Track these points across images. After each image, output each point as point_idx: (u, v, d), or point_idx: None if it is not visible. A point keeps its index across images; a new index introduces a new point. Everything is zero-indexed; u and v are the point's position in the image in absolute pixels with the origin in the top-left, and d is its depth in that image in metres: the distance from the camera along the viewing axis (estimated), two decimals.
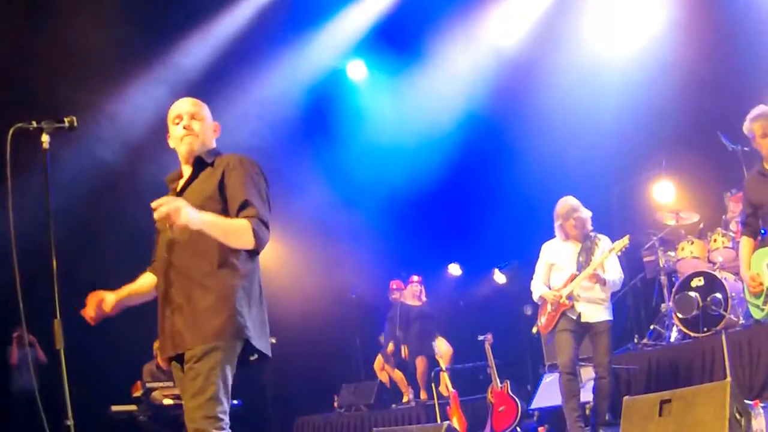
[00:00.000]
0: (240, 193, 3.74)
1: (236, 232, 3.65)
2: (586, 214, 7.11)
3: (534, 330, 7.22)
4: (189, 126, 3.92)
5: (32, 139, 3.59)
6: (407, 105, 11.85)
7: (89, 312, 3.80)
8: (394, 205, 11.92)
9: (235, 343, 3.63)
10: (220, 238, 3.62)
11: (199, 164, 3.92)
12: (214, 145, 4.04)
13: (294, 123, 11.68)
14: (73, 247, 3.92)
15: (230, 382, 3.61)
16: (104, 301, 3.83)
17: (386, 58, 11.89)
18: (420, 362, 10.45)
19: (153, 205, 3.46)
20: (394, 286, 11.15)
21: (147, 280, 4.02)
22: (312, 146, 11.96)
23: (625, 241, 6.94)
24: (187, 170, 3.98)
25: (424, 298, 10.90)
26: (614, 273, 6.96)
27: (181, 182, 3.95)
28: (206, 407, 3.49)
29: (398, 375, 10.83)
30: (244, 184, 3.76)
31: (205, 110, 4.05)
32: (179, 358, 3.69)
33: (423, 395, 10.39)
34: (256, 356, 3.77)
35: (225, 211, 3.74)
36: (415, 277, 10.98)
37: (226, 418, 3.54)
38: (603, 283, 6.84)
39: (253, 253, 3.79)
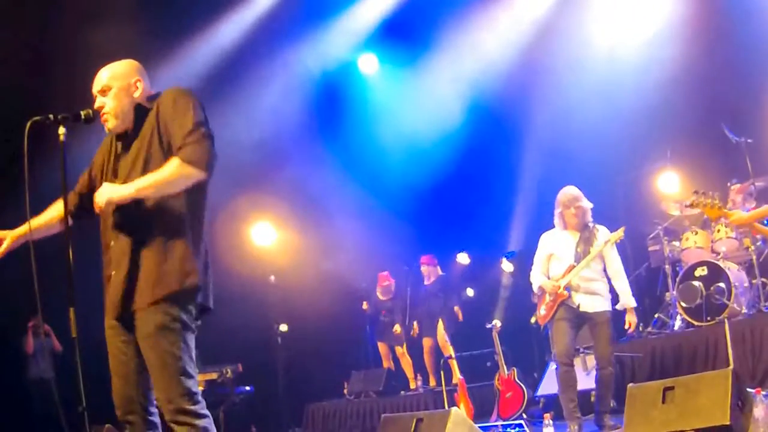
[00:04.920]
0: (179, 120, 3.53)
1: (172, 180, 3.43)
2: (587, 204, 7.03)
3: (532, 320, 7.20)
4: (101, 105, 3.64)
5: (49, 131, 3.52)
6: (416, 96, 11.93)
7: None
8: (404, 195, 11.99)
9: (188, 306, 3.49)
10: (159, 195, 3.45)
11: (141, 113, 3.67)
12: (146, 94, 3.73)
13: (306, 113, 11.80)
14: (88, 238, 3.92)
15: (193, 351, 3.48)
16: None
17: (396, 50, 12.00)
18: (426, 342, 10.63)
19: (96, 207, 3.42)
20: (385, 283, 11.28)
21: (55, 213, 3.76)
22: (323, 136, 12.04)
23: (620, 234, 6.88)
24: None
25: (432, 278, 10.96)
26: (616, 264, 6.93)
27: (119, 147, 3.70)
28: (179, 385, 3.38)
29: (407, 361, 10.93)
30: (180, 111, 3.54)
31: (115, 73, 3.70)
32: (121, 317, 3.54)
33: (432, 381, 10.50)
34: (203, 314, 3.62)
35: (170, 150, 3.53)
36: (424, 258, 11.04)
37: (198, 389, 3.45)
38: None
39: (199, 193, 3.58)
